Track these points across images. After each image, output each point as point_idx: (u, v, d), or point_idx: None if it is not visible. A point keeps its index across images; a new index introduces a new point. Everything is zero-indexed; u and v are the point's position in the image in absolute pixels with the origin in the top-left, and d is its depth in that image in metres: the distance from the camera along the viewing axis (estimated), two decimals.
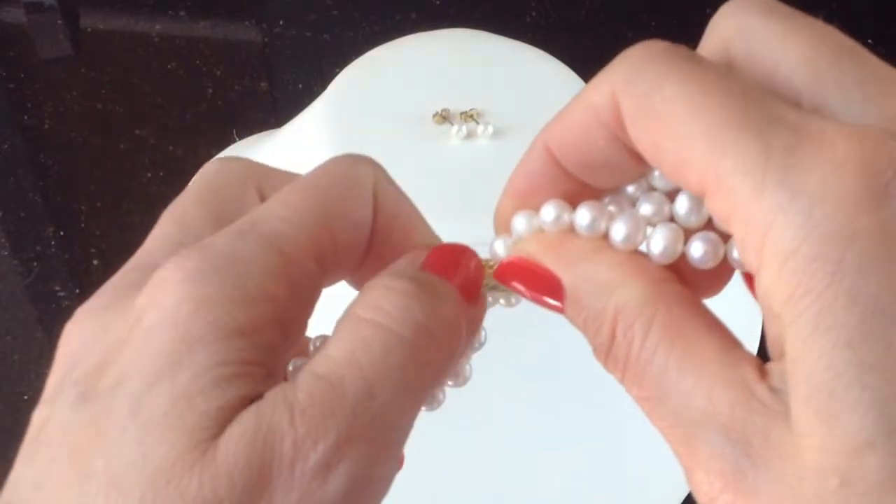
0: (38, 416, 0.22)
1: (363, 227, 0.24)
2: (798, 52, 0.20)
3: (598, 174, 0.23)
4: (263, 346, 0.21)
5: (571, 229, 0.23)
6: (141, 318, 0.21)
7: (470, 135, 0.48)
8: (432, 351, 0.22)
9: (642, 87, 0.20)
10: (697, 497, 0.20)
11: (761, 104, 0.19)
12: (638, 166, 0.22)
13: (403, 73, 0.51)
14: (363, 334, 0.21)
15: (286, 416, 0.20)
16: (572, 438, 0.49)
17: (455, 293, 0.23)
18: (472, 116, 0.49)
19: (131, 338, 0.21)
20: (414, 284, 0.22)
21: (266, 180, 0.25)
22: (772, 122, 0.19)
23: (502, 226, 0.25)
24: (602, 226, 0.22)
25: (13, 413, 0.59)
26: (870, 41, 0.82)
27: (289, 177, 0.26)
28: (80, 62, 0.81)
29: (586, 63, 0.60)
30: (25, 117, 0.77)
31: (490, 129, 0.48)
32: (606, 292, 0.21)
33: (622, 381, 0.21)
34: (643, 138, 0.20)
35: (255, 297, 0.21)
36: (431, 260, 0.24)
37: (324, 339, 0.23)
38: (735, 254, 0.21)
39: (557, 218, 0.23)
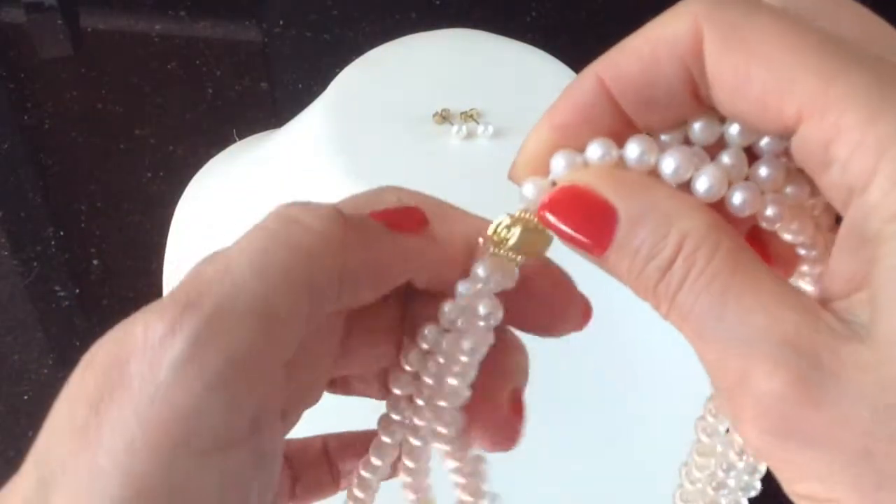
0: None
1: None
2: (850, 26, 0.21)
3: (651, 111, 0.22)
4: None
5: (618, 165, 0.23)
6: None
7: (470, 135, 0.48)
8: (298, 237, 0.23)
9: (731, 16, 0.21)
10: (745, 413, 0.20)
11: (855, 46, 0.20)
12: (696, 105, 0.22)
13: (403, 73, 0.51)
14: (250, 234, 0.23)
15: (143, 313, 0.22)
16: (571, 440, 0.49)
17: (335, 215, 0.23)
18: (472, 116, 0.49)
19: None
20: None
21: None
22: (876, 59, 0.20)
23: (534, 163, 0.24)
24: (651, 160, 0.22)
25: (13, 413, 0.59)
26: None
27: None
28: (80, 62, 0.81)
29: (586, 63, 0.60)
30: (25, 117, 0.77)
31: (490, 129, 0.48)
32: (669, 220, 0.21)
33: (668, 308, 0.21)
34: (727, 67, 0.21)
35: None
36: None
37: None
38: (769, 211, 0.22)
39: (604, 156, 0.23)
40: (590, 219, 0.22)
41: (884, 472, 0.19)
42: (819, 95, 0.20)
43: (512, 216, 0.24)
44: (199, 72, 0.79)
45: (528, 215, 0.24)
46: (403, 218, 0.24)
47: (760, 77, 0.20)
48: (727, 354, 0.20)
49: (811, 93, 0.20)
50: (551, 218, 0.23)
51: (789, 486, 0.21)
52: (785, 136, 0.21)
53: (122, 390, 0.21)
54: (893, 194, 0.19)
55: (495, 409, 0.25)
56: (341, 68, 0.52)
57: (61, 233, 0.69)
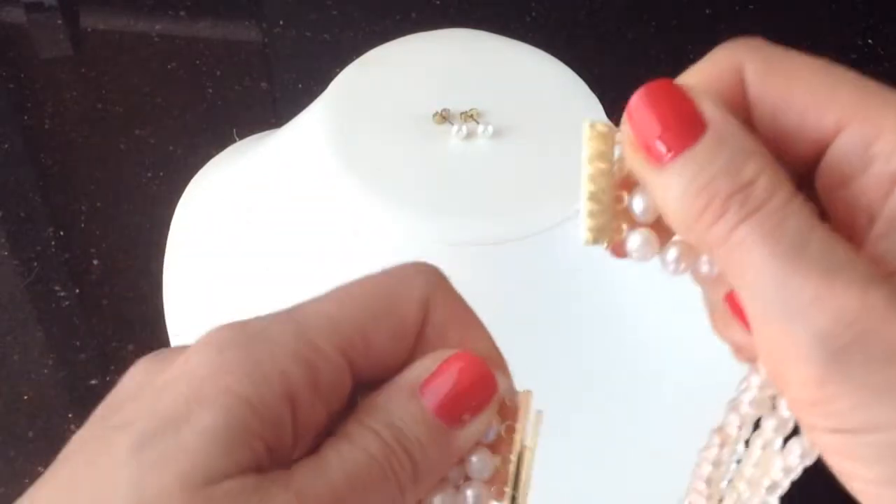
0: (74, 437, 0.24)
1: (403, 333, 0.24)
2: None
3: None
4: (269, 420, 0.22)
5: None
6: (172, 373, 0.23)
7: (470, 135, 0.48)
8: (396, 487, 0.23)
9: (768, 53, 0.23)
10: (821, 333, 0.21)
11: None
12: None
13: (403, 73, 0.51)
14: (361, 462, 0.23)
15: (282, 493, 0.21)
16: (571, 441, 0.49)
17: (430, 439, 0.23)
18: (472, 116, 0.49)
19: (155, 387, 0.23)
20: (395, 440, 0.23)
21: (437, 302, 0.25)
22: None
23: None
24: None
25: (13, 413, 0.59)
26: (870, 41, 0.82)
27: (461, 308, 0.26)
28: (80, 62, 0.81)
29: (586, 63, 0.60)
30: (25, 117, 0.77)
31: (490, 129, 0.48)
32: (754, 152, 0.22)
33: (737, 224, 0.22)
34: (770, 89, 0.23)
35: (267, 374, 0.22)
36: (432, 383, 0.24)
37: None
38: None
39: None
40: (679, 116, 0.22)
41: None
42: (860, 103, 0.22)
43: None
44: (199, 72, 0.79)
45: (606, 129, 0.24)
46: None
47: (801, 95, 0.23)
48: (808, 278, 0.21)
49: (852, 102, 0.22)
50: (638, 105, 0.23)
51: (841, 420, 0.21)
52: (818, 150, 0.23)
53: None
54: None
55: None
56: (341, 68, 0.52)
57: (61, 233, 0.69)
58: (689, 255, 0.24)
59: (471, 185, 0.46)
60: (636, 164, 0.23)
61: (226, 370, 0.22)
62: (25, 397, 0.60)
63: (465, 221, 0.45)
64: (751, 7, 0.84)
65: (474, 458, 0.24)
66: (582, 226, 0.24)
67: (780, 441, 0.27)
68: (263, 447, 0.22)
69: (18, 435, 0.58)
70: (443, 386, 0.24)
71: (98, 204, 0.70)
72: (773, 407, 0.26)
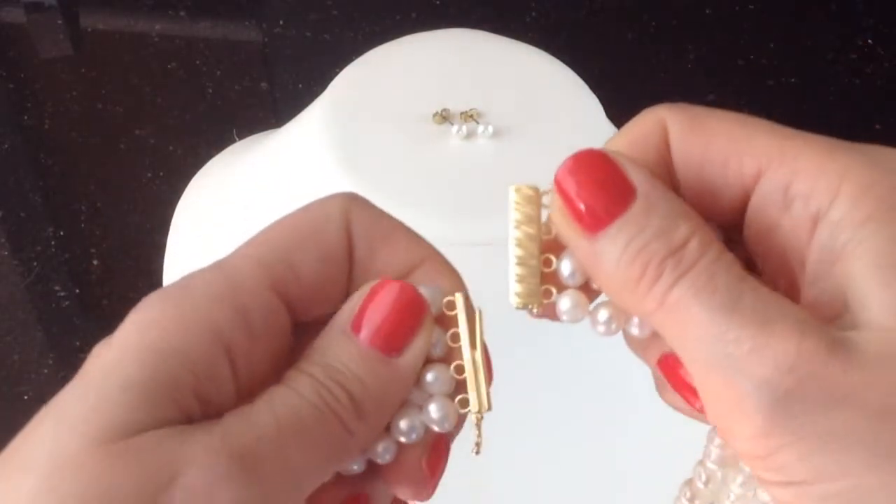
0: None
1: (332, 258, 0.24)
2: None
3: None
4: (203, 370, 0.22)
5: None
6: (108, 346, 0.23)
7: (470, 135, 0.48)
8: (337, 425, 0.23)
9: (690, 112, 0.24)
10: (763, 381, 0.21)
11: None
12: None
13: (403, 73, 0.51)
14: (293, 404, 0.22)
15: (205, 436, 0.21)
16: (568, 441, 0.49)
17: (365, 376, 0.23)
18: (472, 116, 0.49)
19: (91, 364, 0.22)
20: (329, 378, 0.23)
21: (363, 226, 0.25)
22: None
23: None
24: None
25: (13, 413, 0.59)
26: (870, 41, 0.82)
27: (382, 219, 0.26)
28: (80, 62, 0.81)
29: (586, 63, 0.60)
30: (25, 117, 0.77)
31: (490, 129, 0.48)
32: (685, 214, 0.22)
33: (672, 284, 0.22)
34: (692, 146, 0.23)
35: (193, 322, 0.22)
36: (362, 317, 0.24)
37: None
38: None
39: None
40: (607, 187, 0.23)
41: None
42: (775, 147, 0.22)
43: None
44: (199, 72, 0.79)
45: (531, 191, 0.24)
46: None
47: (721, 147, 0.23)
48: (745, 328, 0.21)
49: (768, 147, 0.22)
50: (566, 175, 0.23)
51: (789, 472, 0.21)
52: (743, 200, 0.23)
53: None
54: (861, 203, 0.21)
55: (414, 467, 0.25)
56: (341, 68, 0.52)
57: (61, 233, 0.69)
58: (620, 316, 0.24)
59: (471, 185, 0.46)
60: (566, 232, 0.23)
61: (151, 326, 0.22)
62: (25, 397, 0.60)
63: (465, 221, 0.45)
64: (750, 7, 0.84)
65: (429, 376, 0.24)
66: (511, 290, 0.24)
67: (751, 492, 0.27)
68: (194, 400, 0.22)
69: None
70: (373, 318, 0.23)
71: (98, 204, 0.70)
72: (738, 463, 0.26)
